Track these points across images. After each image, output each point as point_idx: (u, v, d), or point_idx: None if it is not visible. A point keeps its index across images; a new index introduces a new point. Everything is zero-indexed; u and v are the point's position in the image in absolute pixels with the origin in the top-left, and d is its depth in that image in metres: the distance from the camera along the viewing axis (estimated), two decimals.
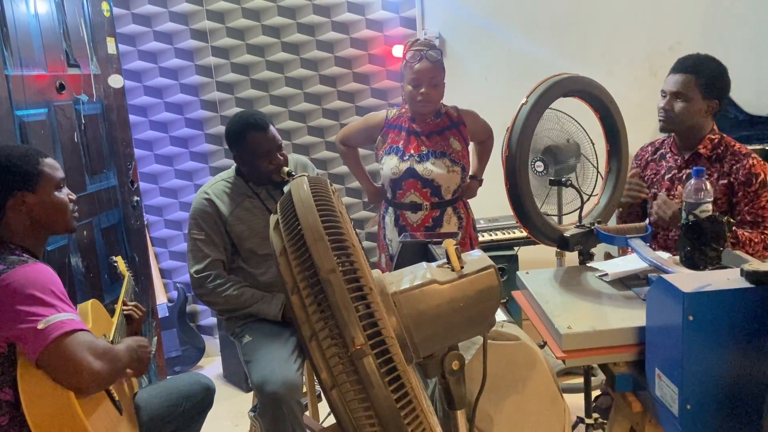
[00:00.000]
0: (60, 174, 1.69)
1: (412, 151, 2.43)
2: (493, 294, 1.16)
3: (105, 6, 2.68)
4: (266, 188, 2.26)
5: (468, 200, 2.59)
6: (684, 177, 2.19)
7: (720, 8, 3.43)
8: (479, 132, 2.54)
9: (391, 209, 2.53)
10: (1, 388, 1.45)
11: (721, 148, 2.14)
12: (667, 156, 2.26)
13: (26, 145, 1.91)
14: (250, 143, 2.14)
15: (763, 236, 2.06)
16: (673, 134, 2.23)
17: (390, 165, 2.44)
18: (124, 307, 1.98)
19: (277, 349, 2.01)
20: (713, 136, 2.15)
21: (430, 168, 2.40)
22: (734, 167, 2.08)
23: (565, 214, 2.63)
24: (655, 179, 2.30)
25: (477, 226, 2.87)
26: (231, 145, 2.21)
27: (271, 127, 2.17)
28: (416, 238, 1.83)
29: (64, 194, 1.70)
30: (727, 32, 3.43)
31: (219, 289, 2.15)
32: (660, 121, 2.16)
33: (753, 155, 2.11)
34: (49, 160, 1.68)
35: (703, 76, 2.08)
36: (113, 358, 1.52)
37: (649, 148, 2.34)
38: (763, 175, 2.07)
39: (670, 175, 2.23)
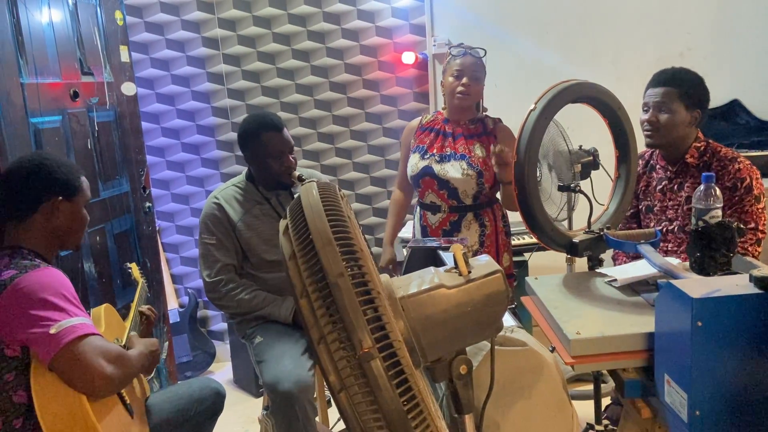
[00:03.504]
0: (89, 194, 1.77)
1: (434, 151, 2.44)
2: (500, 298, 1.17)
3: (118, 15, 2.72)
4: (276, 194, 2.27)
5: (501, 209, 2.53)
6: (675, 188, 2.19)
7: (730, 14, 3.42)
8: (488, 151, 2.46)
9: (418, 208, 2.55)
10: (15, 391, 1.47)
11: (708, 155, 2.13)
12: (657, 168, 2.27)
13: (71, 161, 1.97)
14: (264, 142, 2.16)
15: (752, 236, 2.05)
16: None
17: (411, 162, 2.48)
18: (143, 308, 2.01)
19: (289, 349, 2.02)
20: (699, 144, 2.15)
21: (447, 169, 2.40)
22: (720, 173, 2.07)
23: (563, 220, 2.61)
24: (647, 191, 2.30)
25: None
26: (244, 145, 2.23)
27: (285, 129, 2.21)
28: (426, 243, 1.84)
29: (86, 214, 1.75)
30: (738, 38, 3.42)
31: (231, 293, 2.17)
32: (646, 136, 2.16)
33: (740, 159, 2.10)
34: (85, 179, 1.75)
35: (684, 88, 2.09)
36: (125, 362, 1.54)
37: (640, 162, 2.33)
38: (748, 180, 2.06)
39: (661, 187, 2.24)
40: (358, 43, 3.53)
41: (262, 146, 2.17)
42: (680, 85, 2.09)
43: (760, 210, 2.07)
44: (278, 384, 1.88)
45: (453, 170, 2.40)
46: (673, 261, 1.77)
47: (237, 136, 2.26)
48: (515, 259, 2.78)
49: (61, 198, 1.65)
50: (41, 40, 2.17)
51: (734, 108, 3.42)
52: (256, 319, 2.20)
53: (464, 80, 2.37)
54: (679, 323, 1.30)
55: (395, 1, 3.48)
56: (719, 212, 1.66)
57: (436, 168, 2.41)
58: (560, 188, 2.11)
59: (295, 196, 1.15)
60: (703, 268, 1.62)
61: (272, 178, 2.21)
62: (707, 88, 2.14)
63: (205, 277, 2.20)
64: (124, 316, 1.98)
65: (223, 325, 3.73)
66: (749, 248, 2.03)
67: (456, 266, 1.19)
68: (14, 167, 1.67)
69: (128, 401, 1.68)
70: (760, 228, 2.07)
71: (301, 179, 2.16)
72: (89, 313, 1.69)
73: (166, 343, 2.90)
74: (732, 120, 3.41)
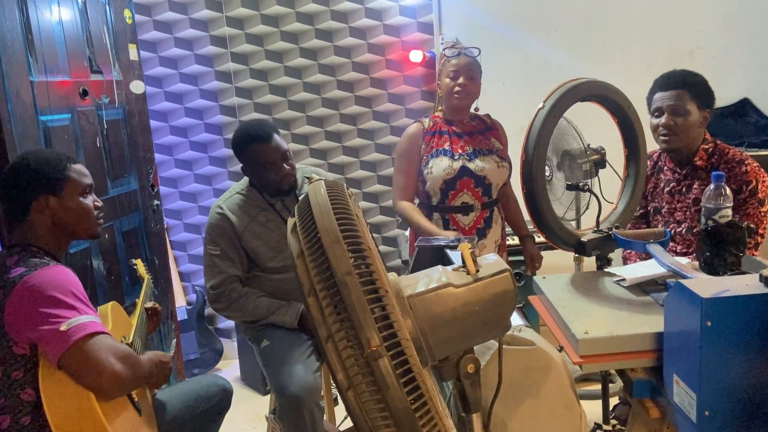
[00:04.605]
0: (87, 180, 1.72)
1: (460, 151, 2.39)
2: (508, 297, 1.16)
3: (127, 13, 2.73)
4: (281, 199, 2.26)
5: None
6: (683, 190, 2.18)
7: (740, 13, 3.39)
8: (503, 144, 2.51)
9: (436, 215, 2.41)
10: (23, 389, 1.48)
11: (716, 156, 2.13)
12: (665, 169, 2.25)
13: (57, 150, 1.94)
14: (254, 156, 2.14)
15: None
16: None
17: (442, 166, 2.34)
18: (148, 304, 2.01)
19: (296, 352, 2.02)
20: (707, 146, 2.15)
21: (481, 165, 2.38)
22: (727, 175, 2.05)
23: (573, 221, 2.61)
24: (654, 192, 2.29)
25: None
26: (238, 158, 2.22)
27: (275, 137, 2.14)
28: (431, 242, 1.83)
29: (90, 200, 1.72)
30: (748, 37, 3.39)
31: (235, 304, 2.17)
32: (663, 141, 2.15)
33: (748, 161, 2.09)
34: (77, 166, 1.71)
35: (695, 89, 2.10)
36: (135, 363, 1.53)
37: (648, 162, 2.31)
38: (754, 183, 2.05)
39: (669, 188, 2.23)
40: (365, 41, 3.53)
41: (254, 159, 2.14)
42: (691, 87, 2.10)
43: (762, 213, 2.06)
44: (285, 388, 1.89)
45: (487, 164, 2.38)
46: (682, 260, 1.76)
47: (232, 150, 2.24)
48: (523, 258, 2.77)
49: (46, 195, 1.63)
50: (51, 38, 2.18)
51: (744, 107, 3.39)
52: (262, 324, 2.20)
53: (460, 80, 2.35)
54: (689, 323, 1.29)
55: None
56: (729, 212, 1.65)
57: (472, 166, 2.36)
58: (569, 187, 2.11)
59: (302, 195, 1.15)
60: (712, 267, 1.61)
61: (271, 186, 2.19)
62: (712, 88, 2.15)
63: (209, 288, 2.20)
64: (131, 313, 1.99)
65: (231, 323, 3.74)
66: (747, 252, 2.02)
67: (464, 265, 1.18)
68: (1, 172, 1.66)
69: (136, 399, 1.68)
70: (760, 232, 2.06)
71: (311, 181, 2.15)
72: (97, 311, 1.69)
73: (174, 341, 2.91)
74: (742, 119, 3.39)
